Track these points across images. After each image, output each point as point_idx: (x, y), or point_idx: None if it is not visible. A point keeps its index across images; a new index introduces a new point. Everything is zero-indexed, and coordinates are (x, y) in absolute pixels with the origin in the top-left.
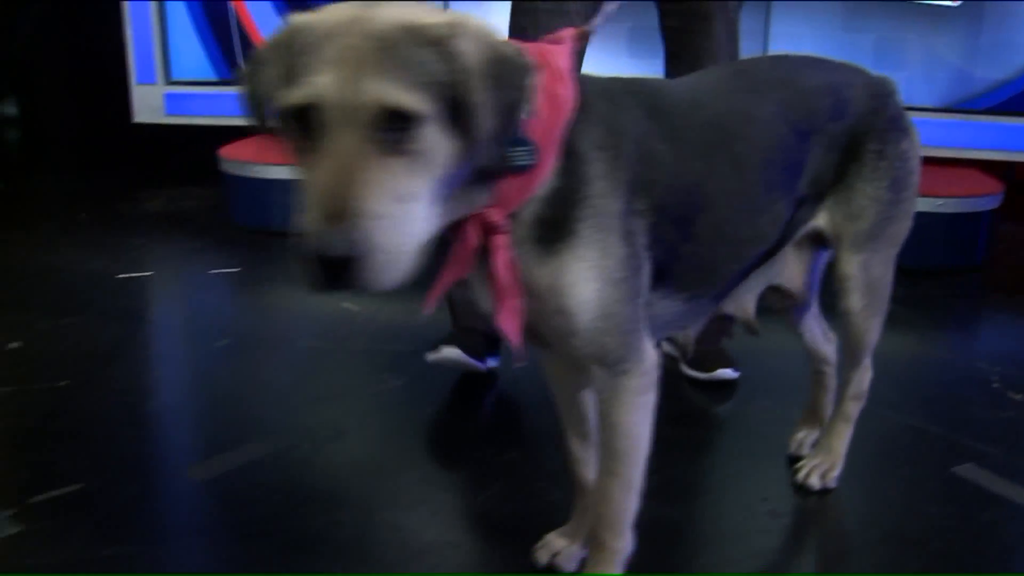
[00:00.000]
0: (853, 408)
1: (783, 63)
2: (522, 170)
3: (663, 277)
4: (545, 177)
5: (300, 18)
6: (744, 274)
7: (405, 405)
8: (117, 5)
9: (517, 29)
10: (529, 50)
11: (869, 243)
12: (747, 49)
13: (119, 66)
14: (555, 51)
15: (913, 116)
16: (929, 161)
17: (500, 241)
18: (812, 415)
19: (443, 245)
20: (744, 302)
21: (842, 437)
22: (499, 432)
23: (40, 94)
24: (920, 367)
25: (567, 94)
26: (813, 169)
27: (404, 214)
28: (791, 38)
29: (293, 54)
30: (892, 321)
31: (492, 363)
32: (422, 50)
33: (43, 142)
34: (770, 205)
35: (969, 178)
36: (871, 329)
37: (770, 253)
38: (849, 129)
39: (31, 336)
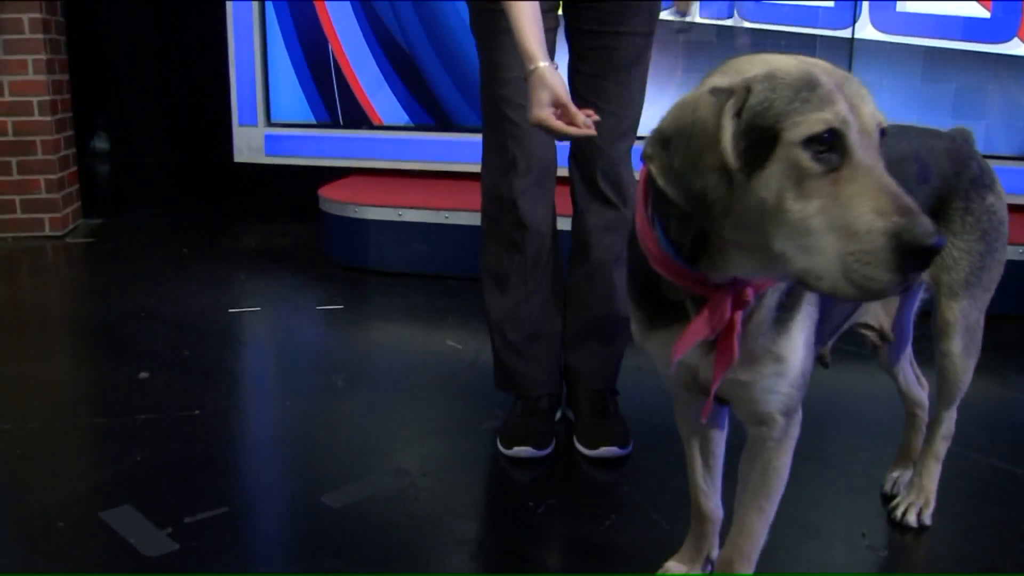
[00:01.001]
0: (943, 447)
1: None
2: None
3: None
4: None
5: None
6: (844, 322)
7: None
8: (213, 46)
9: None
10: None
11: (966, 290)
12: None
13: (217, 105)
14: None
15: (993, 164)
16: (1010, 209)
17: (739, 317)
18: (905, 455)
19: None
20: (875, 311)
21: (933, 475)
22: (608, 466)
23: (132, 130)
24: (1004, 410)
25: None
26: None
27: None
28: (872, 87)
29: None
30: (976, 366)
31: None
32: None
33: (134, 177)
34: None
35: None
36: (967, 370)
37: None
38: (935, 191)
39: (158, 366)
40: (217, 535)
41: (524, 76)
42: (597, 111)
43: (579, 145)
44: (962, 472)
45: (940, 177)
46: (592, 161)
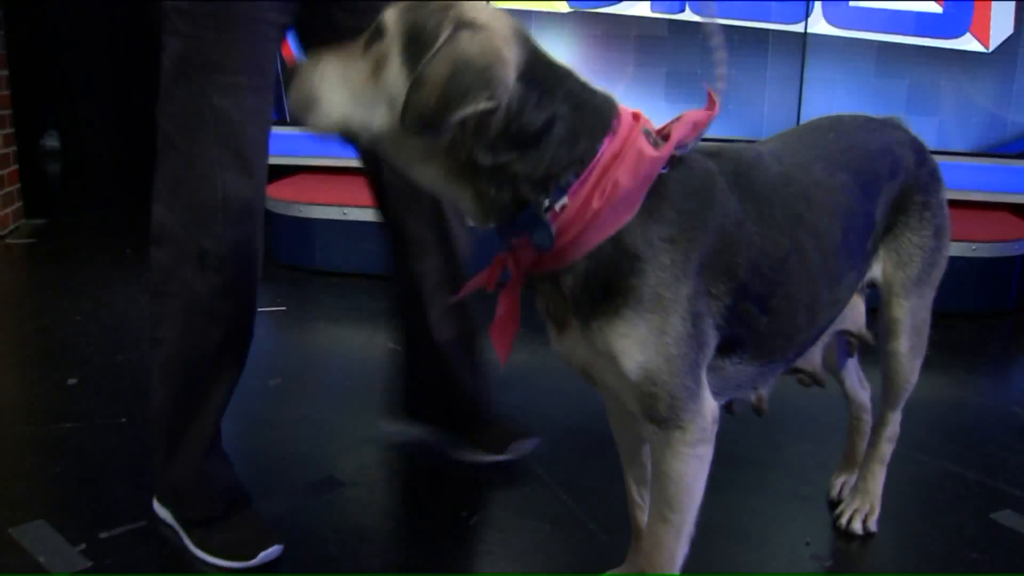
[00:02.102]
0: (888, 449)
1: (844, 128)
2: (538, 248)
3: (736, 346)
4: (573, 260)
5: None
6: (820, 334)
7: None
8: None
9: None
10: (620, 119)
11: (916, 288)
12: (783, 94)
13: None
14: (637, 135)
15: (946, 160)
16: (962, 205)
17: (509, 287)
18: (850, 460)
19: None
20: (811, 354)
21: (878, 479)
22: (550, 476)
23: (82, 127)
24: (955, 411)
25: (628, 186)
26: (878, 227)
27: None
28: (825, 83)
29: None
30: (926, 365)
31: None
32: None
33: (84, 176)
34: (847, 271)
35: (1002, 222)
36: (915, 370)
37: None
38: (900, 184)
39: (87, 372)
40: (133, 551)
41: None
42: None
43: None
44: (911, 476)
45: (905, 171)
46: None
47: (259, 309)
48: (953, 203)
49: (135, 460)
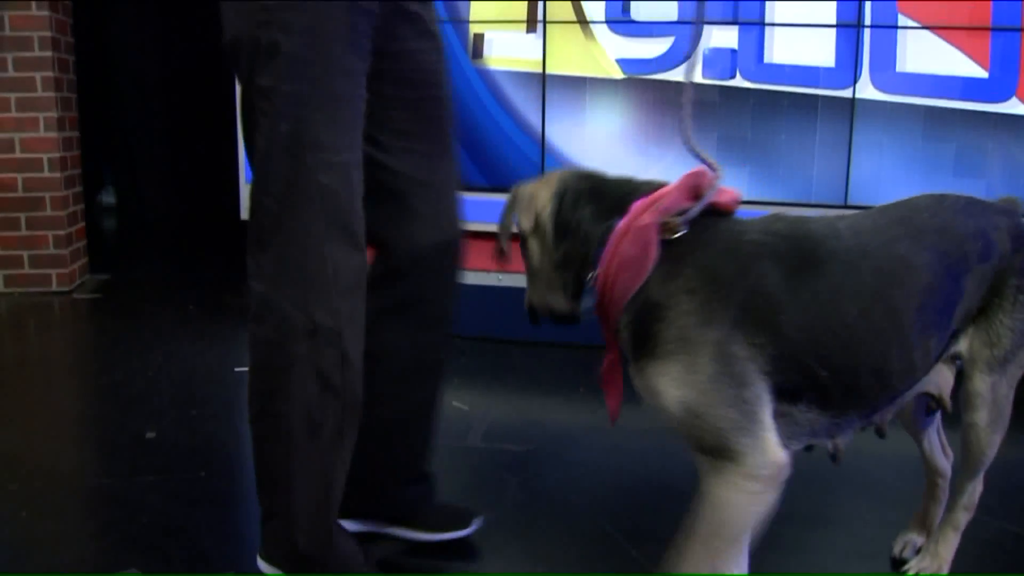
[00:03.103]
0: (964, 518)
1: (940, 209)
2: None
3: (800, 395)
4: (616, 316)
5: None
6: (896, 397)
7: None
8: (224, 105)
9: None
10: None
11: (1000, 366)
12: (833, 157)
13: (226, 161)
14: (644, 216)
15: None
16: None
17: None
18: (921, 522)
19: None
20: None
21: (951, 545)
22: (618, 532)
23: (140, 184)
24: (1015, 471)
25: (632, 251)
26: (964, 306)
27: None
28: (874, 147)
29: None
30: None
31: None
32: None
33: (141, 232)
34: (923, 341)
35: None
36: (993, 444)
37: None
38: (994, 268)
39: (164, 426)
40: None
41: None
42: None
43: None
44: (972, 536)
45: (1000, 255)
46: None
47: (236, 369)
48: None
49: (218, 511)
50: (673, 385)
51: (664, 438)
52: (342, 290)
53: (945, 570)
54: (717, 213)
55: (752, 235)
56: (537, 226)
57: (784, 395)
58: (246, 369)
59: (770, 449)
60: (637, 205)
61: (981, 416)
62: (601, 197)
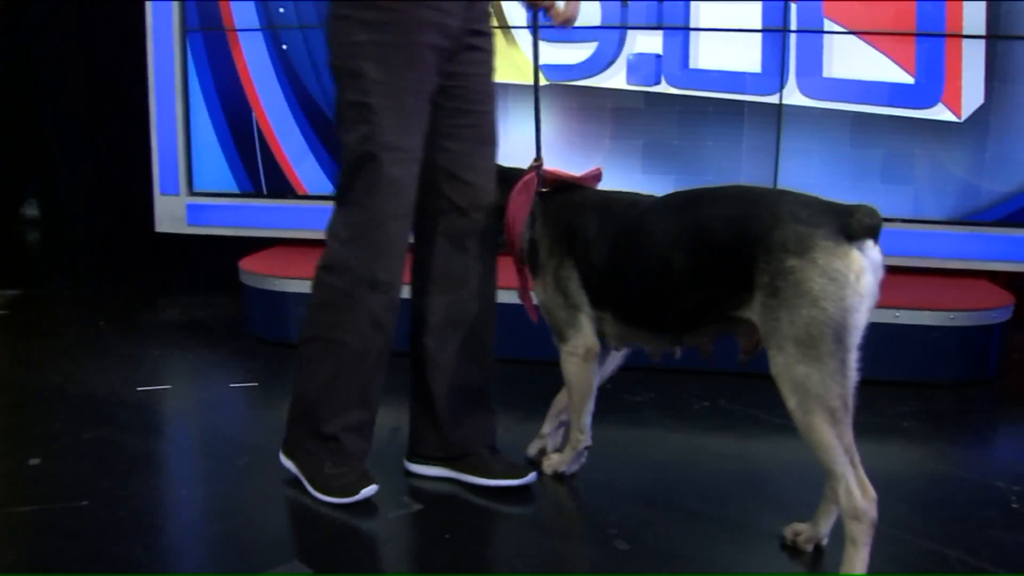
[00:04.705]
0: (855, 530)
1: (719, 196)
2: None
3: (604, 303)
4: (520, 242)
5: None
6: (687, 324)
7: (431, 527)
8: (143, 113)
9: None
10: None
11: (783, 348)
12: (760, 164)
13: (143, 173)
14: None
15: (922, 229)
16: (939, 273)
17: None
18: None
19: None
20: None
21: (855, 566)
22: (630, 544)
23: (62, 197)
24: (936, 486)
25: (524, 205)
26: (728, 277)
27: None
28: (801, 154)
29: None
30: (906, 437)
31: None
32: None
33: (63, 245)
34: (694, 292)
35: (979, 290)
36: (810, 429)
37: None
38: (751, 255)
39: (52, 451)
40: None
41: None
42: (464, 185)
43: (444, 210)
44: (891, 555)
45: (751, 242)
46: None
47: (230, 385)
48: (930, 271)
49: (93, 546)
50: (539, 291)
51: (654, 450)
52: (396, 254)
53: None
54: (582, 187)
55: (586, 199)
56: None
57: (596, 304)
58: (150, 388)
59: (586, 336)
60: (526, 177)
61: (785, 399)
62: (505, 180)
